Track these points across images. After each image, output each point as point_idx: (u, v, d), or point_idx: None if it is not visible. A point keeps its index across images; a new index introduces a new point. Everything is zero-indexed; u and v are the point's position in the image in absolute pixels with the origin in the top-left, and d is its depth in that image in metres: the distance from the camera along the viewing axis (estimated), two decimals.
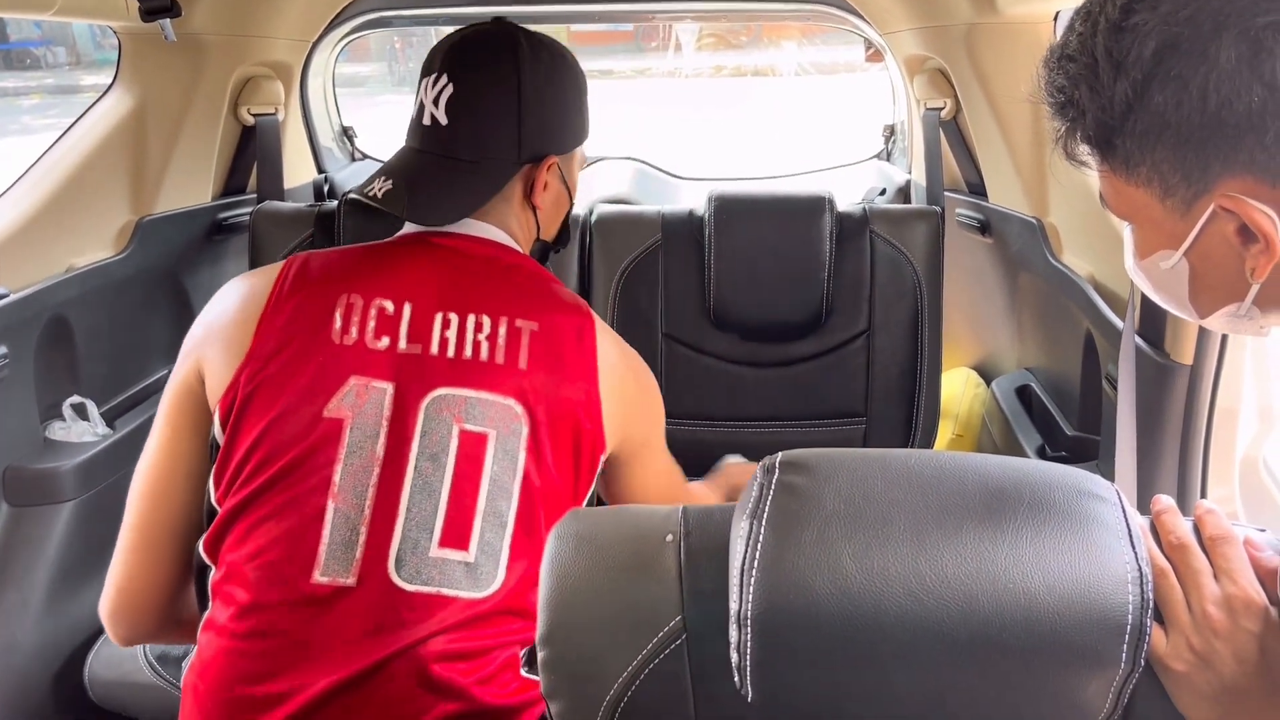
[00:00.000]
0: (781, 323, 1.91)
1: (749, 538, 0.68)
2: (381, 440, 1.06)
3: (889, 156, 2.64)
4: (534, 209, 1.23)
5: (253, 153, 2.17)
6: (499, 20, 1.24)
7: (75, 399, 1.73)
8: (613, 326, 1.92)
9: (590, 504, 1.19)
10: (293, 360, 1.08)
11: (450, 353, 1.10)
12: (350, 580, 1.03)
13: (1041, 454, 1.78)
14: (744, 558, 0.68)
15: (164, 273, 1.99)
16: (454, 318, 1.12)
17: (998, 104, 1.87)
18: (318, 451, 1.05)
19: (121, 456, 1.73)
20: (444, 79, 1.17)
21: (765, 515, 0.69)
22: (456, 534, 1.05)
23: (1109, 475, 1.54)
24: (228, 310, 1.13)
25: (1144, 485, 1.30)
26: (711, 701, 0.75)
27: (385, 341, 1.10)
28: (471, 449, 1.07)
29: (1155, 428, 1.30)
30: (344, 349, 1.09)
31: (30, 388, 1.63)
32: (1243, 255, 0.71)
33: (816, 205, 1.89)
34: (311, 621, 1.02)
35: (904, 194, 2.43)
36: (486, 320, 1.12)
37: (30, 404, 1.64)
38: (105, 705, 1.63)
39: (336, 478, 1.05)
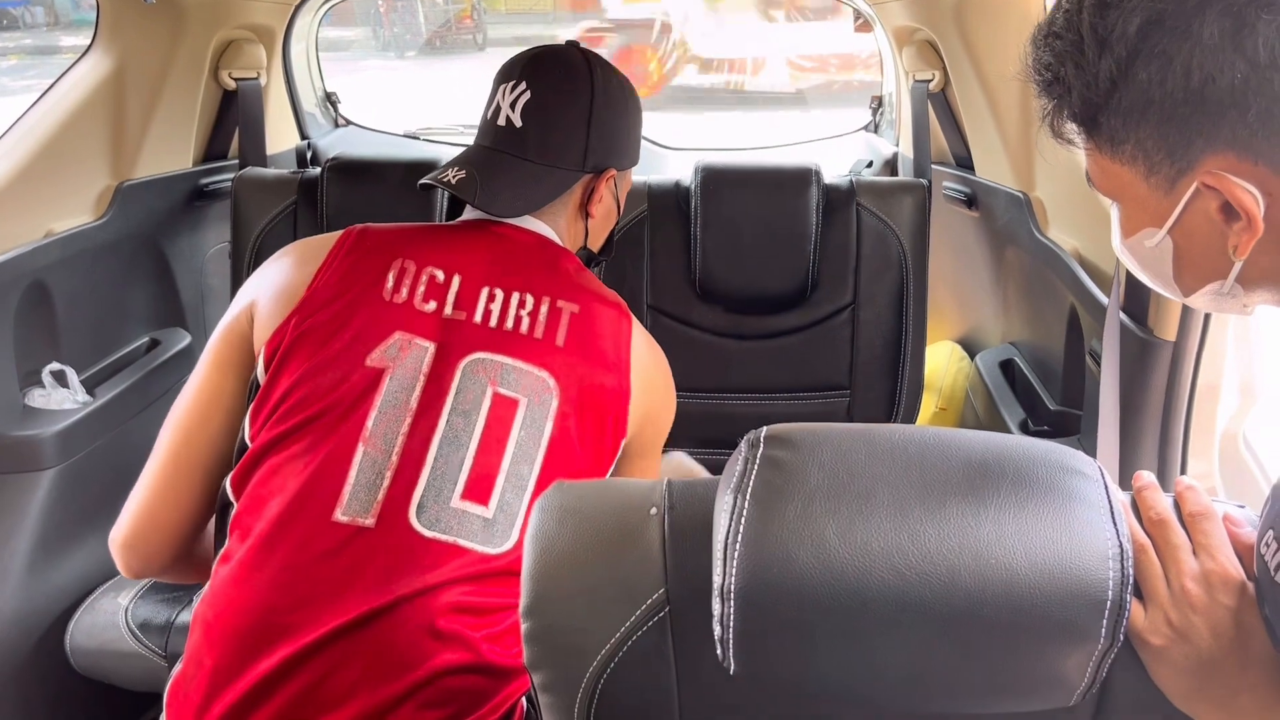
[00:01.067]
0: (767, 295, 1.91)
1: (733, 511, 0.69)
2: (417, 392, 1.11)
3: (876, 128, 2.63)
4: (587, 217, 1.31)
5: (234, 118, 2.14)
6: (573, 43, 1.35)
7: (55, 366, 1.71)
8: None
9: None
10: (343, 311, 1.13)
11: (493, 323, 1.16)
12: (370, 521, 1.06)
13: (1024, 428, 1.79)
14: (727, 531, 0.68)
15: (144, 239, 1.97)
16: (499, 292, 1.18)
17: (986, 77, 1.86)
18: (355, 397, 1.10)
19: (102, 424, 1.72)
20: (522, 85, 1.26)
21: (749, 489, 0.69)
22: (479, 489, 1.09)
23: (1091, 450, 1.56)
24: (285, 266, 1.20)
25: (1125, 461, 1.31)
26: (693, 673, 0.77)
27: (432, 305, 1.15)
28: (502, 411, 1.12)
29: (1137, 403, 1.31)
30: (393, 306, 1.15)
31: (9, 354, 1.62)
32: (1225, 233, 0.71)
33: (803, 177, 1.88)
34: (327, 559, 1.05)
35: (891, 166, 2.42)
36: (530, 298, 1.18)
37: (9, 371, 1.62)
38: (87, 674, 1.62)
39: (370, 423, 1.09)
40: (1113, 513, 0.68)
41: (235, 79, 2.10)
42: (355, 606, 1.03)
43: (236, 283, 1.99)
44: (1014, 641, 0.66)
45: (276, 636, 1.03)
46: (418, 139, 2.76)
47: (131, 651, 1.59)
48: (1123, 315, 1.31)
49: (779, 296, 1.91)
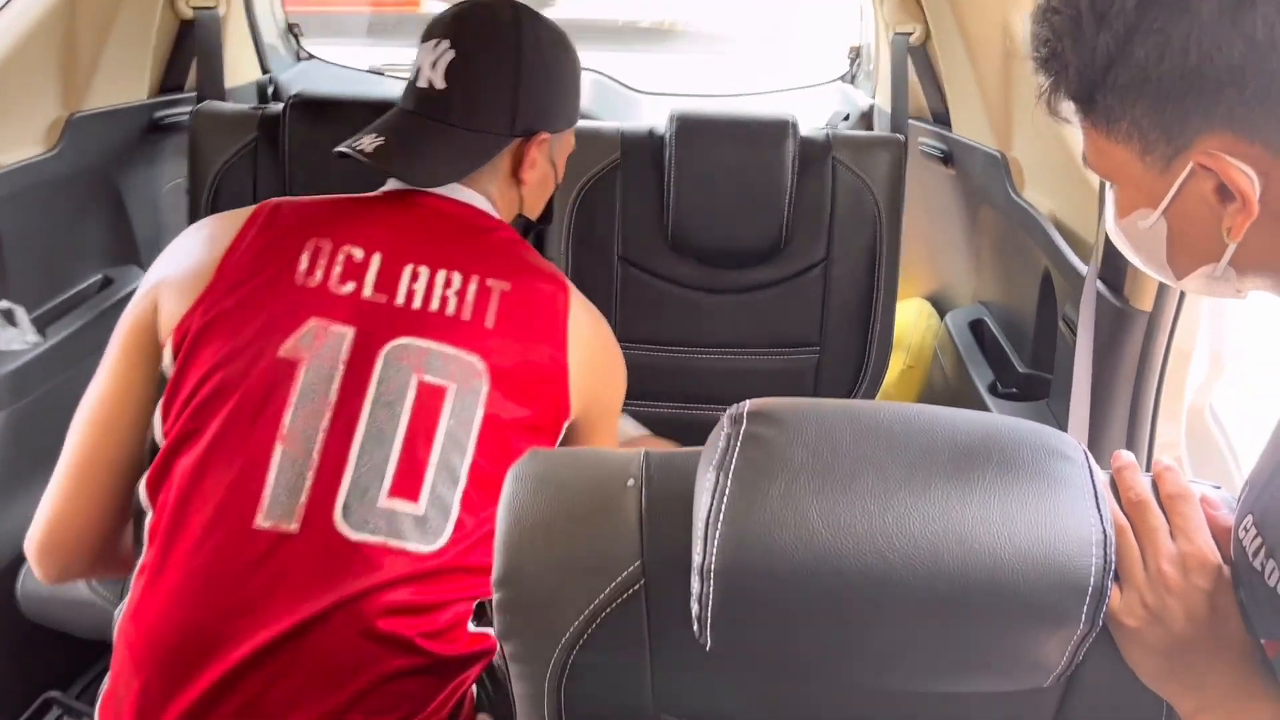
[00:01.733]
0: (740, 249, 1.89)
1: (714, 490, 0.67)
2: (336, 384, 1.04)
3: (853, 79, 2.60)
4: (520, 184, 1.24)
5: (191, 49, 2.06)
6: None
7: (4, 304, 1.65)
8: (567, 248, 1.89)
9: None
10: (252, 296, 1.06)
11: (416, 304, 1.09)
12: (294, 526, 1.00)
13: (993, 390, 1.79)
14: (709, 510, 0.67)
15: (97, 172, 1.90)
16: (424, 270, 1.10)
17: (969, 33, 1.83)
18: (269, 392, 1.02)
19: (54, 365, 1.67)
20: (445, 44, 1.18)
21: (731, 468, 0.68)
22: (407, 484, 1.03)
23: (1060, 414, 1.56)
24: (192, 246, 1.11)
25: (1095, 428, 1.31)
26: (667, 648, 0.76)
27: (350, 287, 1.08)
28: (429, 400, 1.05)
29: (1110, 372, 1.31)
30: (306, 290, 1.07)
31: None
32: (1220, 215, 0.70)
33: (780, 129, 1.84)
34: (252, 569, 0.99)
35: (867, 120, 2.39)
36: (457, 276, 1.11)
37: None
38: (39, 621, 1.59)
39: (287, 420, 1.02)
40: (1096, 498, 0.68)
41: (193, 7, 2.01)
42: (287, 617, 0.98)
43: (194, 219, 1.93)
44: (994, 624, 0.66)
45: (207, 654, 0.98)
46: (383, 75, 2.68)
47: (87, 600, 1.56)
48: (1099, 284, 1.30)
49: (752, 250, 1.88)
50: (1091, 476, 0.69)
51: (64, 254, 1.84)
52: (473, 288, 1.11)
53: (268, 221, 1.12)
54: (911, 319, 2.27)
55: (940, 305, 2.32)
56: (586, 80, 2.63)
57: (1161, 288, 1.27)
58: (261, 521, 1.00)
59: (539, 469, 0.80)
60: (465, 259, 1.12)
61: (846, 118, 2.40)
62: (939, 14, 1.93)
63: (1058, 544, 0.65)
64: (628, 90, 2.63)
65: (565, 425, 1.15)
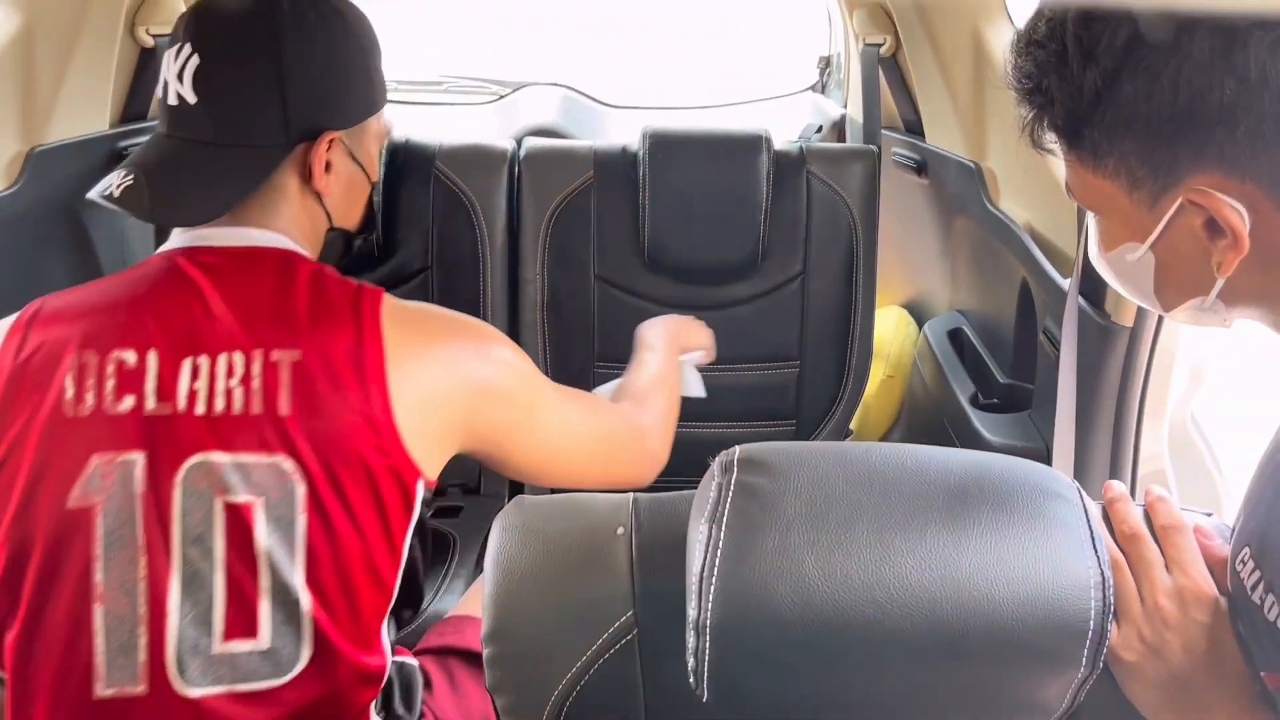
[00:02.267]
0: (717, 265, 1.87)
1: (708, 543, 0.66)
2: (139, 525, 0.91)
3: (824, 89, 2.59)
4: (319, 195, 1.06)
5: (153, 77, 2.01)
6: None
7: None
8: (543, 268, 1.87)
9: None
10: (18, 448, 0.92)
11: (200, 408, 0.93)
12: (140, 688, 0.91)
13: (974, 401, 1.79)
14: (703, 564, 0.65)
15: (60, 206, 1.86)
16: (204, 362, 0.94)
17: (940, 44, 1.83)
18: (69, 551, 0.91)
19: None
20: (187, 49, 0.99)
21: (724, 520, 0.66)
22: (241, 623, 0.93)
23: (1043, 425, 1.56)
24: None
25: (1079, 442, 1.31)
26: (661, 698, 0.75)
27: (129, 402, 0.92)
28: (239, 524, 0.93)
29: (1093, 387, 1.31)
30: (79, 422, 0.92)
31: None
32: (1209, 249, 0.70)
33: (753, 144, 1.83)
34: None
35: (839, 130, 2.39)
36: (239, 359, 0.94)
37: None
38: None
39: (98, 576, 0.91)
40: (1093, 539, 0.67)
41: (154, 35, 1.97)
42: None
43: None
44: (995, 670, 0.65)
45: None
46: None
47: None
48: (1080, 299, 1.30)
49: (729, 266, 1.87)
50: (1086, 516, 0.68)
51: (28, 291, 1.78)
52: (257, 369, 0.94)
53: (23, 338, 0.95)
54: (890, 328, 2.27)
55: (917, 313, 2.32)
56: (555, 97, 2.64)
57: None
58: (102, 691, 0.91)
59: (525, 519, 0.78)
60: (247, 332, 0.96)
61: (819, 129, 2.40)
62: (909, 25, 1.92)
63: (1056, 588, 0.64)
64: (598, 105, 2.61)
65: (421, 486, 1.00)
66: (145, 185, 0.97)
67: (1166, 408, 1.37)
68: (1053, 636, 0.64)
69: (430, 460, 1.01)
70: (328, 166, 1.05)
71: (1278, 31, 0.63)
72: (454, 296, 1.85)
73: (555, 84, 2.62)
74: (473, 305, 1.85)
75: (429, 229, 1.85)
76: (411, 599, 1.09)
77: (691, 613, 0.65)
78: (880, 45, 2.02)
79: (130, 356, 0.94)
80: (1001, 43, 1.70)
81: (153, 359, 0.94)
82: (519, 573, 0.75)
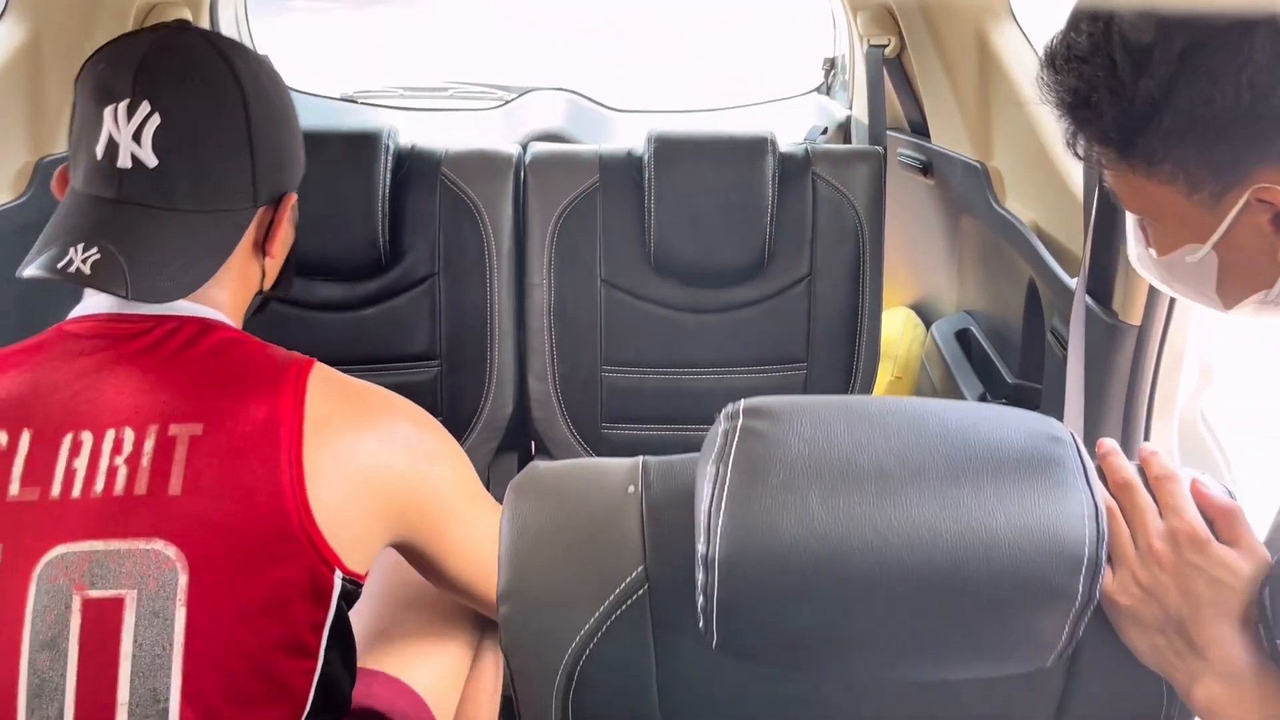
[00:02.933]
0: (723, 268, 1.87)
1: (715, 481, 0.68)
2: None
3: (829, 90, 2.59)
4: (265, 258, 1.01)
5: None
6: (184, 25, 1.02)
7: None
8: (550, 272, 1.87)
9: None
10: None
11: (76, 491, 0.83)
12: None
13: (983, 400, 1.79)
14: (710, 501, 0.68)
15: None
16: (87, 438, 0.85)
17: (944, 45, 1.83)
18: None
19: None
20: (143, 105, 0.90)
21: (731, 459, 0.69)
22: None
23: None
24: None
25: (1088, 442, 1.30)
26: (672, 652, 0.77)
27: None
28: (100, 622, 0.82)
29: (1101, 386, 1.31)
30: None
31: None
32: (1275, 243, 0.71)
33: (759, 146, 1.83)
34: None
35: (844, 131, 2.39)
36: (129, 435, 0.85)
37: None
38: None
39: None
40: (1086, 474, 0.69)
41: None
42: None
43: None
44: (994, 600, 0.67)
45: None
46: (355, 102, 2.66)
47: None
48: (1088, 299, 1.30)
49: (735, 269, 1.87)
50: (1079, 454, 0.70)
51: (37, 302, 1.81)
52: (149, 445, 0.85)
53: None
54: (897, 329, 2.27)
55: (924, 313, 2.32)
56: (560, 101, 2.64)
57: (1150, 300, 1.26)
58: None
59: (540, 481, 0.80)
60: (144, 403, 0.86)
61: (824, 131, 2.39)
62: (913, 26, 1.92)
63: (1051, 518, 0.66)
64: (603, 109, 2.61)
65: (340, 581, 0.90)
66: (121, 259, 0.88)
67: (1176, 406, 1.36)
68: (1049, 565, 0.66)
69: (354, 550, 0.90)
70: (281, 229, 1.01)
71: None
72: (461, 302, 1.86)
73: (560, 89, 2.63)
74: (479, 311, 1.86)
75: (435, 235, 1.85)
76: (331, 707, 0.96)
77: (700, 548, 0.68)
78: (885, 46, 2.02)
79: (1, 437, 0.85)
80: (1006, 43, 1.70)
81: (25, 439, 0.85)
82: (533, 532, 0.78)
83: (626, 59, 3.34)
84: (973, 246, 1.99)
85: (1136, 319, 1.27)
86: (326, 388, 0.93)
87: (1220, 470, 1.43)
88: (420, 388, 1.85)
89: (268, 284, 1.06)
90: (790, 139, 2.08)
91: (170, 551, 0.83)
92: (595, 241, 1.88)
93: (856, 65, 2.27)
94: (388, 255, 1.83)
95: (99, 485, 0.84)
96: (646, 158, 1.83)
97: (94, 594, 0.82)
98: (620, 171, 1.88)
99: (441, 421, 1.85)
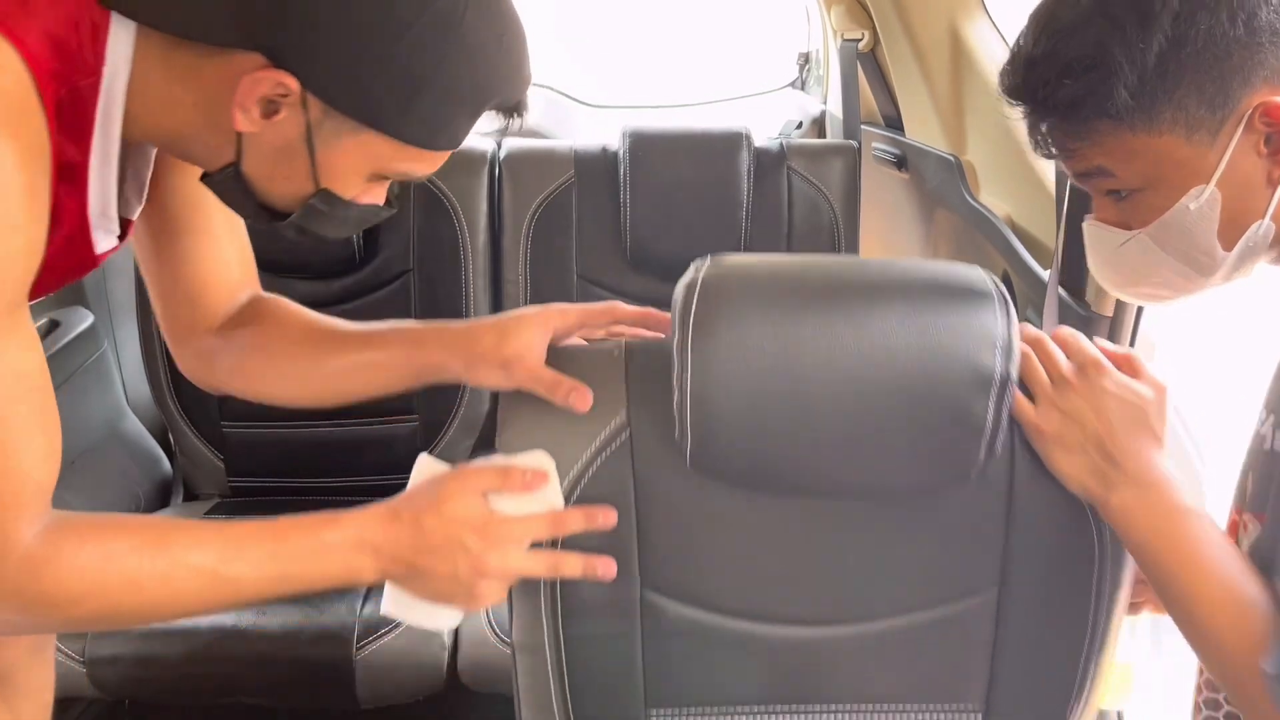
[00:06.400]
0: None
1: (685, 322, 0.81)
2: None
3: (803, 85, 2.60)
4: (235, 125, 0.79)
5: None
6: None
7: None
8: (526, 268, 1.87)
9: None
10: None
11: None
12: None
13: None
14: (682, 340, 0.81)
15: None
16: None
17: (917, 39, 1.84)
18: None
19: None
20: None
21: (695, 303, 0.82)
22: None
23: None
24: None
25: None
26: (649, 483, 0.90)
27: None
28: None
29: None
30: None
31: None
32: (1269, 168, 0.75)
33: (734, 141, 1.84)
34: None
35: (819, 126, 2.39)
36: None
37: None
38: None
39: None
40: (1003, 309, 0.81)
41: None
42: None
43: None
44: (927, 384, 0.80)
45: None
46: None
47: None
48: (1061, 290, 1.31)
49: None
50: (997, 291, 0.82)
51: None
52: None
53: None
54: None
55: None
56: (536, 97, 2.62)
57: None
58: None
59: None
60: None
61: (799, 125, 2.40)
62: (886, 20, 1.93)
63: (967, 344, 0.80)
64: (578, 104, 2.61)
65: None
66: None
67: None
68: (962, 383, 0.80)
69: None
70: (262, 108, 0.78)
71: None
72: (436, 299, 1.85)
73: (535, 84, 2.62)
74: (455, 306, 1.85)
75: (410, 231, 1.84)
76: None
77: (676, 370, 0.83)
78: (858, 41, 2.03)
79: None
80: (979, 36, 1.71)
81: None
82: (529, 393, 0.90)
83: (601, 54, 3.33)
84: (947, 239, 2.00)
85: (1109, 310, 1.29)
86: None
87: (1191, 459, 1.44)
88: None
89: (259, 188, 0.84)
90: (765, 134, 2.09)
91: None
92: (571, 237, 1.88)
93: (830, 60, 2.28)
94: (362, 252, 1.82)
95: None
96: (622, 153, 1.83)
97: None
98: (596, 167, 1.88)
99: (418, 419, 1.87)
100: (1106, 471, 0.82)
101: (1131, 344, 1.31)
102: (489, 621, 1.57)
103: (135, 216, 0.93)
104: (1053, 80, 0.76)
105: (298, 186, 0.84)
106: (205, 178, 0.86)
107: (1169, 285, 0.83)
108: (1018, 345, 0.81)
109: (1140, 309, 1.27)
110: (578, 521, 0.86)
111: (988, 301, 0.81)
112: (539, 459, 0.88)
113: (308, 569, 0.83)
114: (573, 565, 0.86)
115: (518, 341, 0.90)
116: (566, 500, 0.87)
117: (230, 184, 0.84)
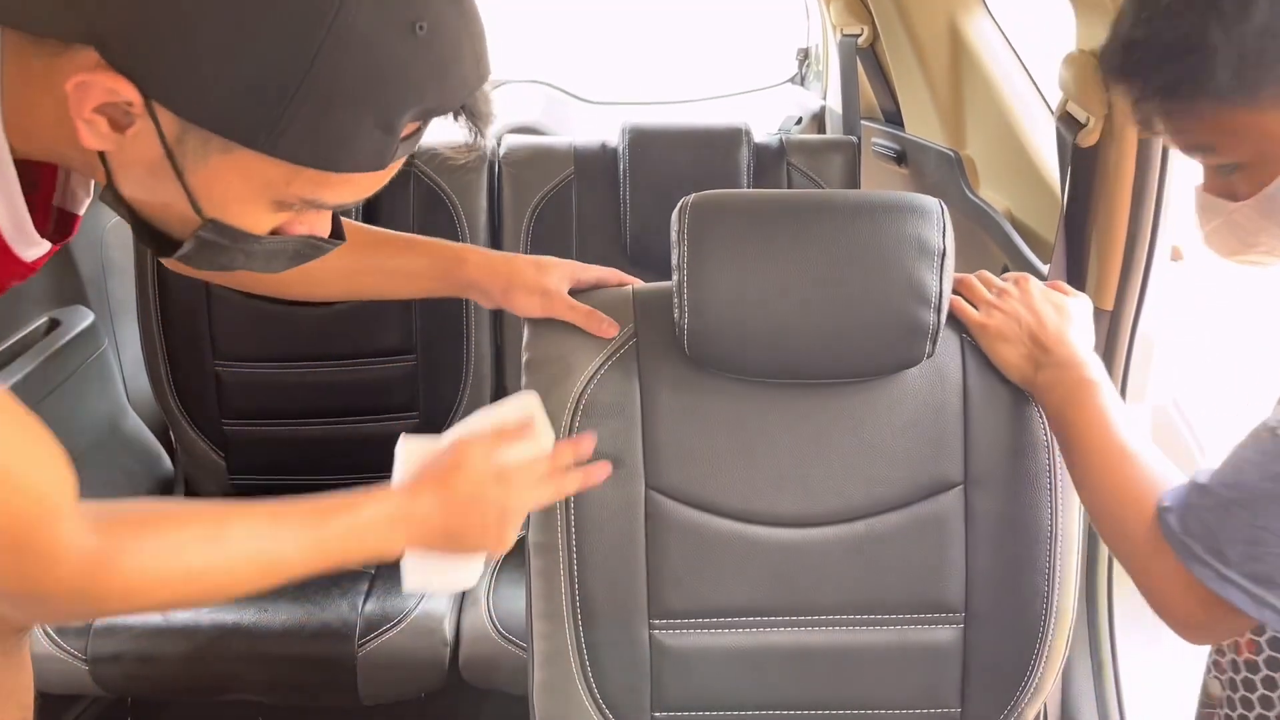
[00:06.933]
0: None
1: (681, 244, 1.02)
2: None
3: (803, 81, 2.60)
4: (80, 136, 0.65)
5: None
6: None
7: None
8: None
9: None
10: None
11: None
12: None
13: None
14: (680, 261, 1.01)
15: None
16: None
17: (916, 34, 1.83)
18: None
19: None
20: None
21: (686, 233, 1.02)
22: None
23: None
24: None
25: None
26: (653, 381, 1.07)
27: None
28: None
29: None
30: None
31: None
32: None
33: (733, 137, 1.83)
34: None
35: (819, 121, 2.39)
36: None
37: None
38: None
39: None
40: (940, 223, 1.01)
41: None
42: None
43: (140, 255, 1.88)
44: (882, 303, 1.00)
45: None
46: None
47: (47, 654, 1.52)
48: None
49: None
50: (940, 211, 1.01)
51: (5, 298, 1.78)
52: None
53: None
54: None
55: None
56: (536, 94, 2.63)
57: (1122, 285, 1.27)
58: None
59: None
60: None
61: (799, 121, 2.40)
62: (886, 16, 1.93)
63: (915, 241, 1.00)
64: (577, 101, 2.61)
65: None
66: None
67: (1148, 391, 1.37)
68: (906, 299, 1.00)
69: None
70: (109, 115, 0.64)
71: None
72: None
73: (535, 80, 2.62)
74: (455, 305, 1.85)
75: (409, 228, 1.84)
76: None
77: (675, 278, 1.02)
78: (858, 36, 2.03)
79: None
80: (979, 31, 1.71)
81: None
82: None
83: (601, 51, 3.33)
84: None
85: (1109, 304, 1.28)
86: None
87: (1194, 455, 1.45)
88: (397, 382, 1.84)
89: (135, 202, 0.72)
90: (765, 130, 2.08)
91: None
92: (571, 234, 1.87)
93: (830, 55, 2.28)
94: None
95: None
96: (621, 149, 1.83)
97: None
98: (595, 164, 1.88)
99: (419, 415, 1.87)
100: (1037, 356, 1.01)
101: (1131, 341, 1.31)
102: (490, 619, 1.57)
103: (83, 211, 0.86)
104: (1153, 62, 0.77)
105: (182, 214, 0.70)
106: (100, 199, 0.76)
107: (1274, 253, 0.84)
108: (951, 243, 1.00)
109: (1140, 305, 1.27)
110: (569, 453, 1.01)
111: (931, 217, 1.00)
112: (526, 401, 1.01)
113: (348, 546, 0.87)
114: (574, 482, 1.01)
115: (555, 276, 1.10)
116: (580, 394, 1.05)
117: (118, 207, 0.73)
